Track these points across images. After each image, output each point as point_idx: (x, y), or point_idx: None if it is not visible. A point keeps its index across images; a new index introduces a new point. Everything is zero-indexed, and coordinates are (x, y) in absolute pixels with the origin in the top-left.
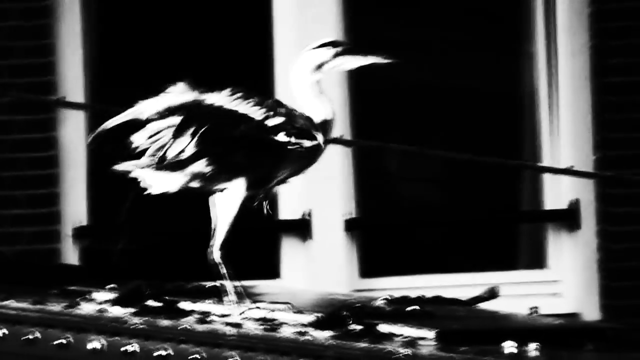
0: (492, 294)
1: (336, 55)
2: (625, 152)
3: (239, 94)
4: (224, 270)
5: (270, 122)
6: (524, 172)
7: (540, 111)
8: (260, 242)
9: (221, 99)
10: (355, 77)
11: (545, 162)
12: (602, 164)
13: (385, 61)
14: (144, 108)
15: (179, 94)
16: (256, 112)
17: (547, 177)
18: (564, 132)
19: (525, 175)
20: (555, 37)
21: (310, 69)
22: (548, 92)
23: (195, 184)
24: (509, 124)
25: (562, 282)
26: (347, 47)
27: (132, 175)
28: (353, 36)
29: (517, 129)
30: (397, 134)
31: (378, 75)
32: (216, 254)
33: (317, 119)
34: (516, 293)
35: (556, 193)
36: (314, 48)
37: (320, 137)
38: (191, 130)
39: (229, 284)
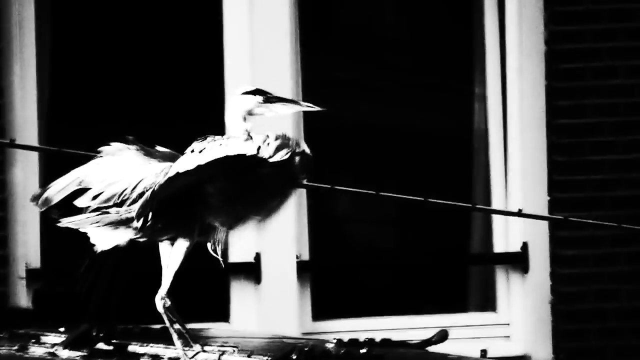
0: (442, 336)
1: (261, 103)
2: (577, 194)
3: (211, 140)
4: (170, 317)
5: (268, 150)
6: (475, 214)
7: (492, 153)
8: (210, 285)
9: (203, 148)
10: (308, 118)
11: (496, 204)
12: (554, 206)
13: (313, 109)
14: (82, 174)
15: (115, 153)
16: (247, 148)
17: (497, 220)
18: (515, 173)
19: (476, 218)
20: (506, 78)
21: (240, 116)
22: (500, 133)
23: (143, 238)
24: (460, 165)
25: (512, 324)
26: (270, 96)
27: (80, 230)
28: (306, 74)
29: (468, 170)
30: (348, 175)
31: (330, 117)
32: (160, 303)
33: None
34: (466, 336)
35: (506, 235)
36: (239, 95)
37: (304, 145)
38: (148, 189)
39: (177, 330)
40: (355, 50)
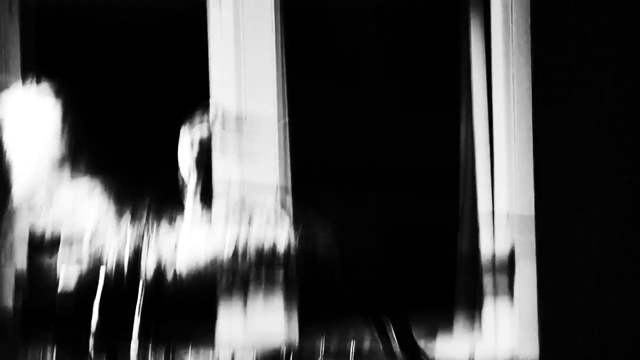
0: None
1: (205, 131)
2: (566, 233)
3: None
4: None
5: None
6: (461, 226)
7: (479, 187)
8: None
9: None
10: (294, 140)
11: (484, 238)
12: (541, 248)
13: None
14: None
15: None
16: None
17: (483, 231)
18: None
19: (463, 230)
20: (492, 103)
21: (187, 146)
22: (488, 164)
23: None
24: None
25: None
26: (215, 122)
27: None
28: (291, 98)
29: (454, 207)
30: (333, 200)
31: (315, 140)
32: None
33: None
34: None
35: (492, 245)
36: (188, 125)
37: None
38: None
39: None
40: (339, 76)
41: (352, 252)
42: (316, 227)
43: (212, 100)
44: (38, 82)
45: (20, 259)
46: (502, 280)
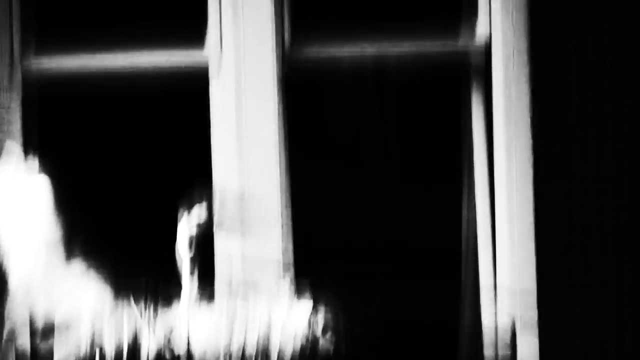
0: None
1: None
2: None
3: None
4: None
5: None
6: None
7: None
8: None
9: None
10: (297, 228)
11: (485, 316)
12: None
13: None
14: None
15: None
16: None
17: (486, 329)
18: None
19: (464, 329)
20: (494, 184)
21: (185, 245)
22: (489, 248)
23: None
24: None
25: None
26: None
27: None
28: (292, 183)
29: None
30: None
31: (318, 227)
32: None
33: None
34: None
35: (495, 344)
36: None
37: None
38: None
39: None
40: (342, 156)
41: (356, 341)
42: (319, 315)
43: (213, 190)
44: (33, 160)
45: (22, 342)
46: None
